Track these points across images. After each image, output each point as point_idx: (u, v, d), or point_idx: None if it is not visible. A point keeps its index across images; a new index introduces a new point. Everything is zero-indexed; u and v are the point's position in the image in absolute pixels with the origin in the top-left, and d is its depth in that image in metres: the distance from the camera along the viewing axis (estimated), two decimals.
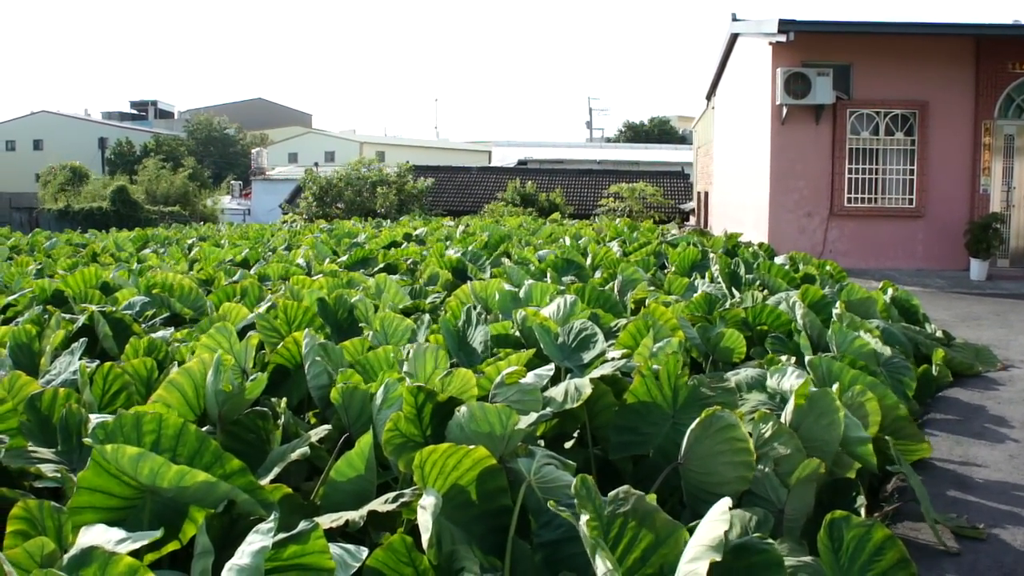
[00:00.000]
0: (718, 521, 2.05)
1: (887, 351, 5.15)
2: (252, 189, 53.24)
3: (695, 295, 6.20)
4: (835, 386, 3.72)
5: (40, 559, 2.12)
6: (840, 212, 15.44)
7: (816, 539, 2.62)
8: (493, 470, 2.77)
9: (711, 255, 8.67)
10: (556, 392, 3.57)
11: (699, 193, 28.16)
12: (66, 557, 1.99)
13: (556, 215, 24.27)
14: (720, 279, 7.40)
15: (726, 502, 2.11)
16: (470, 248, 10.02)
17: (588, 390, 3.47)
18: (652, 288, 7.08)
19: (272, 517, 2.14)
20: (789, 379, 3.83)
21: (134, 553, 2.08)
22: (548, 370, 3.68)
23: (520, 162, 48.44)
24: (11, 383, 3.63)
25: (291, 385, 4.34)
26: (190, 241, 15.28)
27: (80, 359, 4.31)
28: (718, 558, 1.94)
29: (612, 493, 2.40)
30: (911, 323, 7.01)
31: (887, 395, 4.07)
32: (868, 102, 15.30)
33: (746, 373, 4.31)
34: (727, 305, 6.17)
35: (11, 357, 4.56)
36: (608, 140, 75.12)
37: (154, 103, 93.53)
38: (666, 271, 8.71)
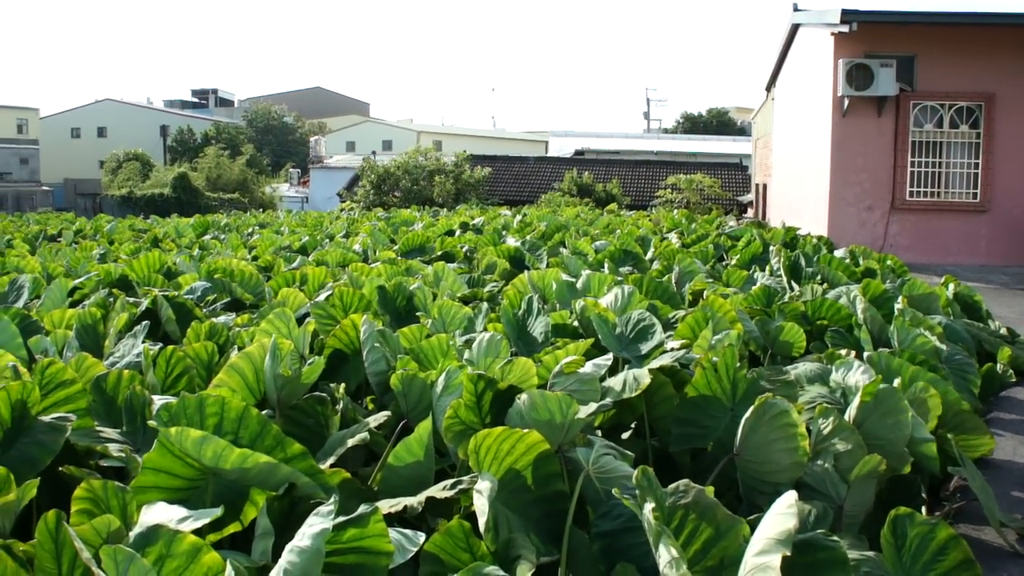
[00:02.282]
0: (785, 515, 2.02)
1: (950, 348, 5.07)
2: (310, 177, 53.74)
3: (754, 288, 6.14)
4: (896, 381, 3.67)
5: (106, 536, 2.16)
6: (902, 206, 15.18)
7: (874, 535, 2.58)
8: (547, 455, 2.77)
9: (771, 248, 8.59)
10: (614, 382, 3.56)
11: (757, 185, 27.88)
12: (132, 534, 2.03)
13: (613, 206, 24.21)
14: (781, 272, 7.33)
15: (792, 495, 2.09)
16: (528, 237, 10.01)
17: (646, 380, 3.45)
18: (710, 280, 7.03)
19: (332, 500, 2.16)
20: (854, 374, 3.78)
21: (196, 533, 2.11)
22: (606, 360, 3.67)
23: (577, 152, 48.37)
24: (78, 364, 3.71)
25: (349, 370, 4.37)
26: (250, 228, 15.45)
27: (143, 342, 4.38)
28: (788, 552, 1.92)
29: (673, 485, 2.39)
30: (974, 320, 6.88)
31: (949, 391, 4.00)
32: (932, 94, 15.01)
33: (806, 367, 4.26)
34: (786, 298, 6.11)
35: (78, 339, 4.65)
36: (666, 131, 74.65)
37: (215, 91, 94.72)
38: (724, 263, 8.64)
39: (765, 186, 25.64)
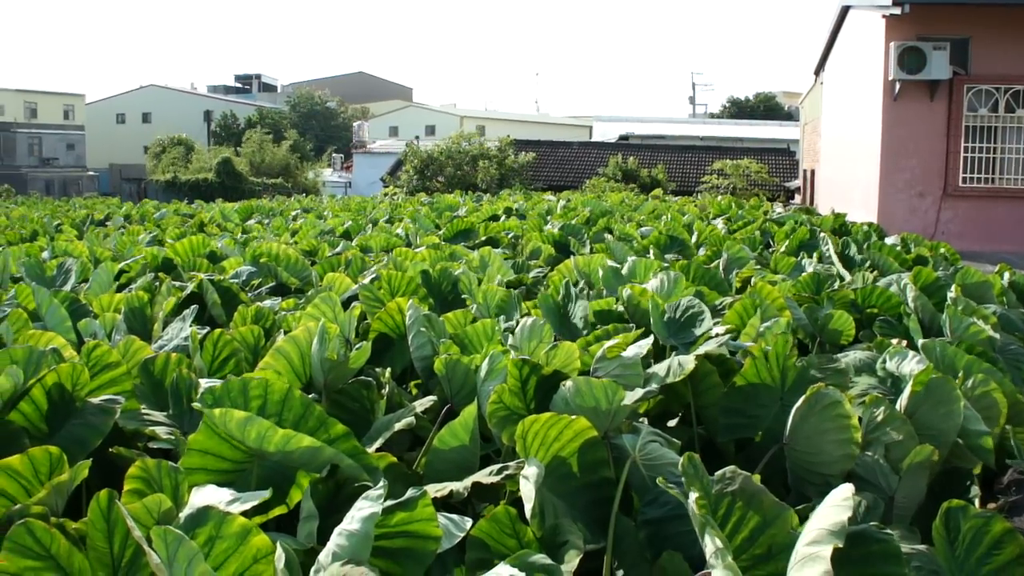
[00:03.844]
0: (840, 507, 1.99)
1: (1004, 338, 4.96)
2: (353, 162, 53.95)
3: (802, 275, 6.06)
4: (959, 375, 3.60)
5: (157, 516, 2.17)
6: (954, 192, 14.91)
7: (926, 528, 2.53)
8: (594, 441, 2.75)
9: (821, 234, 8.48)
10: (660, 368, 3.53)
11: (805, 171, 27.58)
12: (182, 516, 2.04)
13: (658, 191, 24.03)
14: (832, 258, 7.24)
15: (848, 488, 2.05)
16: (572, 222, 9.97)
17: (691, 365, 3.41)
18: (758, 267, 6.96)
19: (382, 484, 2.15)
20: (908, 364, 3.71)
21: (243, 515, 2.11)
22: (647, 342, 3.63)
23: (621, 137, 48.09)
24: (126, 347, 3.74)
25: (394, 354, 4.37)
26: (294, 212, 15.53)
27: (190, 326, 4.41)
28: (840, 544, 1.88)
29: (719, 473, 2.36)
30: None
31: (1004, 383, 3.91)
32: (987, 77, 14.69)
33: (856, 356, 4.20)
34: (835, 286, 6.02)
35: (126, 322, 4.69)
36: (711, 116, 74.01)
37: (258, 77, 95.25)
38: (771, 250, 8.55)
39: (813, 172, 25.35)
